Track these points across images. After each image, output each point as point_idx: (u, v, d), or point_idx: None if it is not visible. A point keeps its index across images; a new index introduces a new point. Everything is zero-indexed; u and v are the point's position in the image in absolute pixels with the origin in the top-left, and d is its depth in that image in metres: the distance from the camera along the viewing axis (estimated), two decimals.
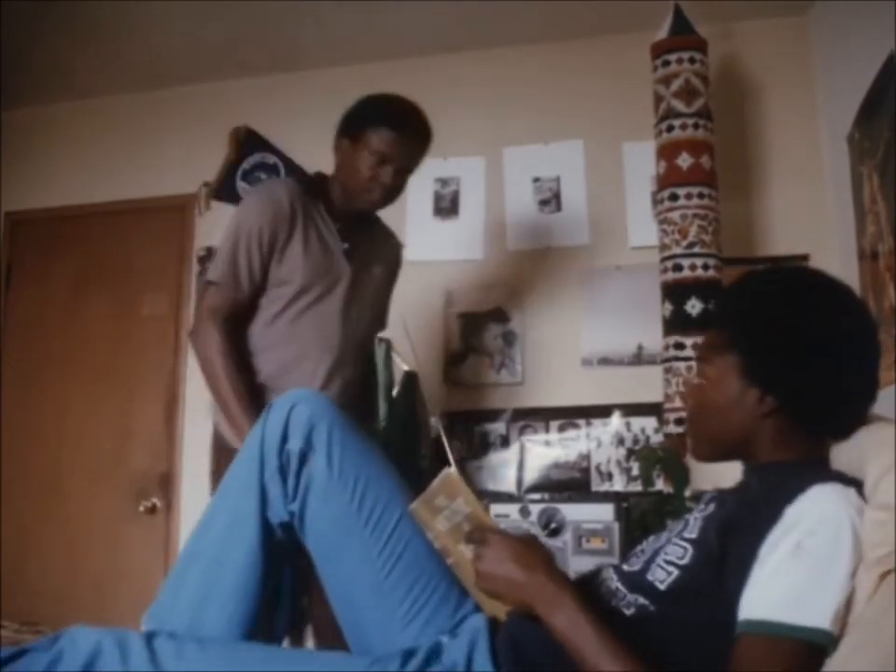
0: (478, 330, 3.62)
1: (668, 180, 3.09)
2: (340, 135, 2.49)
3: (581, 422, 3.41)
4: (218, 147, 4.06)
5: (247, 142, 4.06)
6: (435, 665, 1.31)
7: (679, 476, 2.63)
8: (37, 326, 4.12)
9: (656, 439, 3.26)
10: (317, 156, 3.92)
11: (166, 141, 4.13)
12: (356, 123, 2.45)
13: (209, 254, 3.98)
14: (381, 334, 3.52)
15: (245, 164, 4.05)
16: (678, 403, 2.89)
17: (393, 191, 2.50)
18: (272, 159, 4.02)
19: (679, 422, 2.88)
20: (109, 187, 4.16)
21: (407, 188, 3.79)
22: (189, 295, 4.00)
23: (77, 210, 4.19)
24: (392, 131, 2.39)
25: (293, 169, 3.96)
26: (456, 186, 3.76)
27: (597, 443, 3.39)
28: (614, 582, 1.35)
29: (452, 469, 1.39)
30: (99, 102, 4.24)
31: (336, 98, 3.94)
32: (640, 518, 2.71)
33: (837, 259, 3.24)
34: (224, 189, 4.04)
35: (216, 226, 3.99)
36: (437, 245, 3.71)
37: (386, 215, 3.77)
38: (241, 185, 4.03)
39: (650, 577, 1.30)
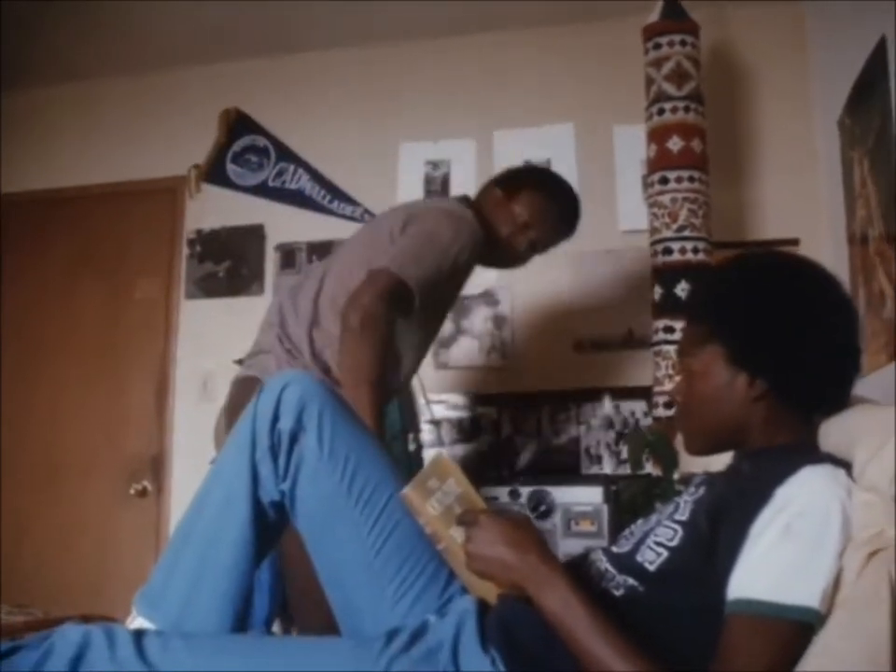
0: (468, 313, 3.63)
1: (659, 163, 3.09)
2: (495, 184, 2.47)
3: (571, 405, 3.42)
4: (209, 130, 4.05)
5: (237, 125, 4.06)
6: (420, 644, 1.31)
7: (669, 459, 2.63)
8: (29, 309, 4.11)
9: (646, 422, 3.28)
10: (307, 139, 3.96)
11: (156, 124, 4.12)
12: (518, 180, 2.45)
13: (200, 236, 3.98)
14: None
15: (236, 147, 4.04)
16: (667, 386, 2.89)
17: (518, 260, 2.50)
18: (262, 141, 4.02)
19: (668, 405, 2.90)
20: (99, 170, 4.15)
21: (398, 170, 3.84)
22: (180, 278, 4.00)
23: (67, 193, 4.17)
24: (552, 203, 2.41)
25: (284, 152, 3.96)
26: (447, 168, 3.76)
27: (587, 427, 3.40)
28: (604, 564, 1.36)
29: (442, 451, 1.40)
30: (89, 85, 4.22)
31: (327, 81, 3.97)
32: (630, 501, 2.72)
33: (827, 243, 3.25)
34: (214, 172, 4.03)
35: (206, 209, 4.00)
36: None
37: (377, 197, 3.79)
38: (231, 168, 4.02)
39: (639, 558, 1.31)
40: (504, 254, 2.45)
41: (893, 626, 1.04)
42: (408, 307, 2.15)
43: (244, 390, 2.17)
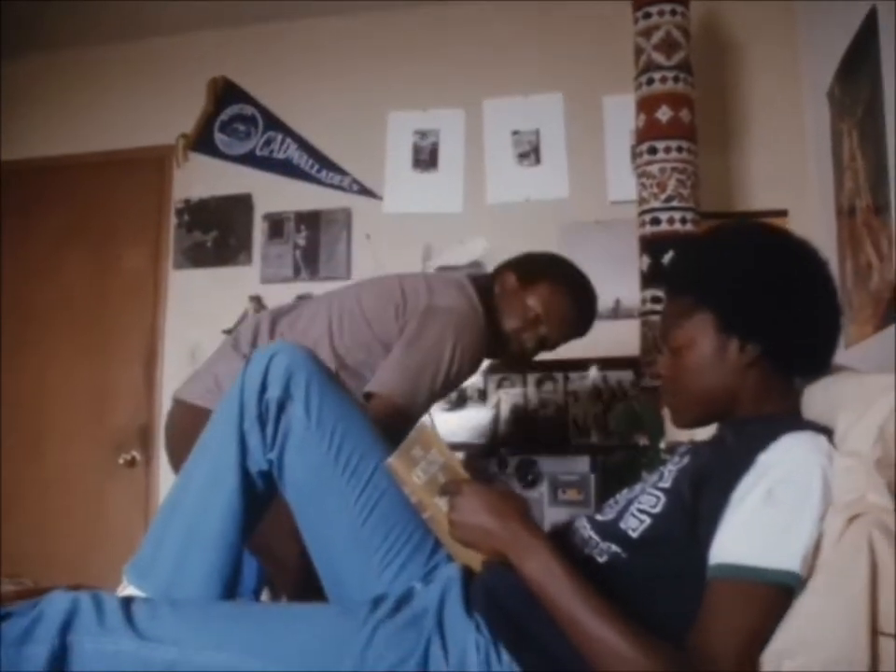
0: None
1: (647, 134, 3.08)
2: (512, 268, 2.34)
3: (559, 375, 3.43)
4: (197, 99, 4.02)
5: (225, 93, 4.02)
6: (405, 610, 1.33)
7: (655, 429, 2.65)
8: (16, 280, 4.08)
9: (633, 392, 3.29)
10: (295, 108, 3.93)
11: (143, 92, 4.08)
12: (536, 269, 2.31)
13: (188, 206, 3.96)
14: None
15: (223, 116, 4.01)
16: (655, 356, 2.90)
17: (524, 356, 2.36)
18: (249, 110, 3.99)
19: (655, 375, 2.91)
20: (86, 139, 4.11)
21: (386, 140, 3.82)
22: (167, 248, 3.98)
23: (52, 162, 4.14)
24: (569, 299, 2.27)
25: (272, 121, 3.93)
26: (436, 138, 3.74)
27: (574, 397, 3.42)
28: (587, 531, 1.37)
29: (426, 421, 1.41)
30: (75, 54, 4.18)
31: (316, 49, 3.93)
32: (616, 470, 2.74)
33: (816, 214, 3.25)
34: (202, 141, 4.01)
35: (194, 178, 3.98)
36: (415, 198, 3.70)
37: (365, 166, 3.78)
38: (219, 137, 3.99)
39: (622, 525, 1.32)
40: (510, 348, 2.31)
41: (872, 589, 1.06)
42: (403, 425, 2.04)
43: (191, 420, 1.96)
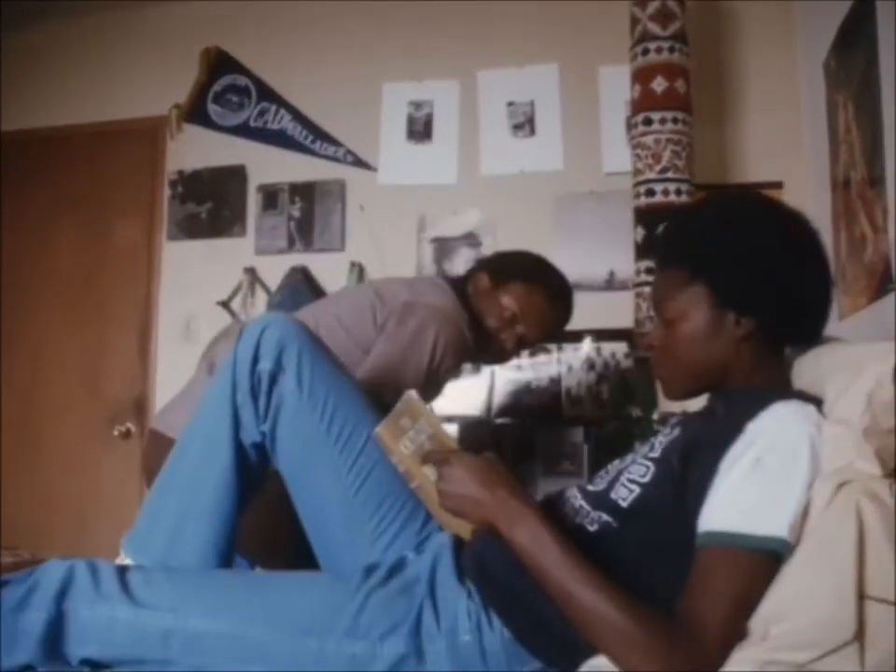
0: (450, 255, 3.62)
1: (642, 104, 3.06)
2: (484, 269, 2.31)
3: (553, 347, 3.44)
4: (190, 69, 3.99)
5: (218, 64, 3.99)
6: (398, 578, 1.34)
7: (648, 400, 2.66)
8: (9, 252, 4.07)
9: (627, 364, 3.30)
10: (288, 78, 3.91)
11: (136, 62, 4.05)
12: (507, 268, 2.28)
13: (181, 177, 3.95)
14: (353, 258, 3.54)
15: (217, 86, 3.98)
16: (648, 328, 2.91)
17: (505, 356, 2.32)
18: (243, 81, 3.96)
19: (647, 347, 2.91)
20: (78, 109, 4.09)
21: (380, 111, 3.80)
22: (161, 220, 3.96)
23: (45, 133, 4.11)
24: (543, 297, 2.24)
25: (266, 92, 3.91)
26: (430, 109, 3.73)
27: (568, 368, 3.42)
28: (578, 501, 1.38)
29: (412, 392, 1.41)
30: (67, 23, 4.13)
31: (309, 19, 3.90)
32: (609, 441, 2.76)
33: (811, 186, 3.25)
34: (195, 112, 3.98)
35: (188, 149, 3.96)
36: (410, 169, 3.69)
37: (359, 139, 3.76)
38: (212, 108, 3.97)
39: (613, 495, 1.33)
40: (492, 348, 2.27)
41: (859, 554, 1.07)
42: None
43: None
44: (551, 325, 2.31)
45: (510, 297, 2.23)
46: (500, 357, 2.33)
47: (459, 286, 2.28)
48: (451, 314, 2.14)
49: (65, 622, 1.32)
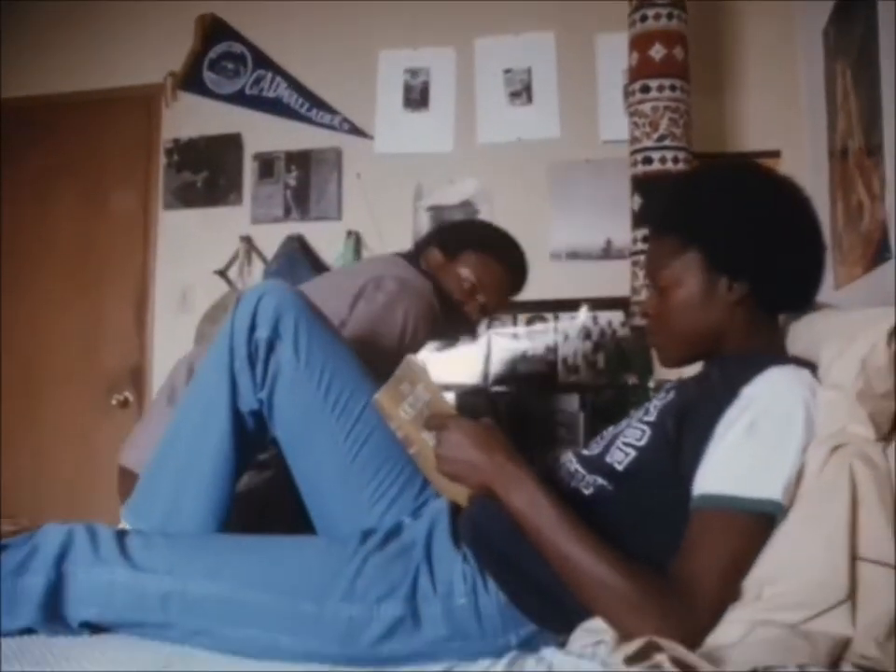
0: None
1: (640, 72, 3.05)
2: (434, 243, 2.27)
3: (549, 315, 3.44)
4: (185, 37, 3.96)
5: (213, 31, 3.96)
6: (395, 542, 1.35)
7: (644, 368, 2.67)
8: (4, 221, 4.05)
9: (623, 333, 3.30)
10: (284, 45, 3.88)
11: (131, 30, 4.02)
12: (457, 239, 2.26)
13: (177, 146, 3.93)
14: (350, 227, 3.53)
15: (212, 54, 3.95)
16: (645, 296, 2.91)
17: (472, 327, 2.30)
18: (238, 48, 3.93)
19: (642, 314, 2.92)
20: (72, 78, 4.05)
21: (377, 78, 3.78)
22: (157, 189, 3.95)
23: (39, 101, 4.08)
24: (498, 263, 2.21)
25: (261, 59, 3.89)
26: (426, 77, 3.71)
27: (564, 337, 3.43)
28: (574, 465, 1.39)
29: (411, 356, 1.41)
30: None
31: None
32: (605, 409, 2.77)
33: (808, 156, 3.24)
34: (190, 80, 3.96)
35: (183, 117, 3.93)
36: (407, 138, 3.67)
37: (355, 107, 3.74)
38: (207, 75, 3.94)
39: (608, 459, 1.34)
40: (457, 320, 2.24)
41: (852, 516, 1.08)
42: None
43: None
44: (509, 290, 2.29)
45: (465, 268, 2.21)
46: (466, 328, 2.32)
47: (414, 262, 2.25)
48: (419, 286, 2.13)
49: (65, 585, 1.33)
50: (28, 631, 1.34)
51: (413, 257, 2.28)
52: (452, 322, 2.23)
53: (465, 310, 2.22)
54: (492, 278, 2.21)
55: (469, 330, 2.34)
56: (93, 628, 1.36)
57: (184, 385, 2.06)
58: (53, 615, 1.33)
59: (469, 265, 2.21)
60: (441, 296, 2.18)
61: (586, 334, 3.40)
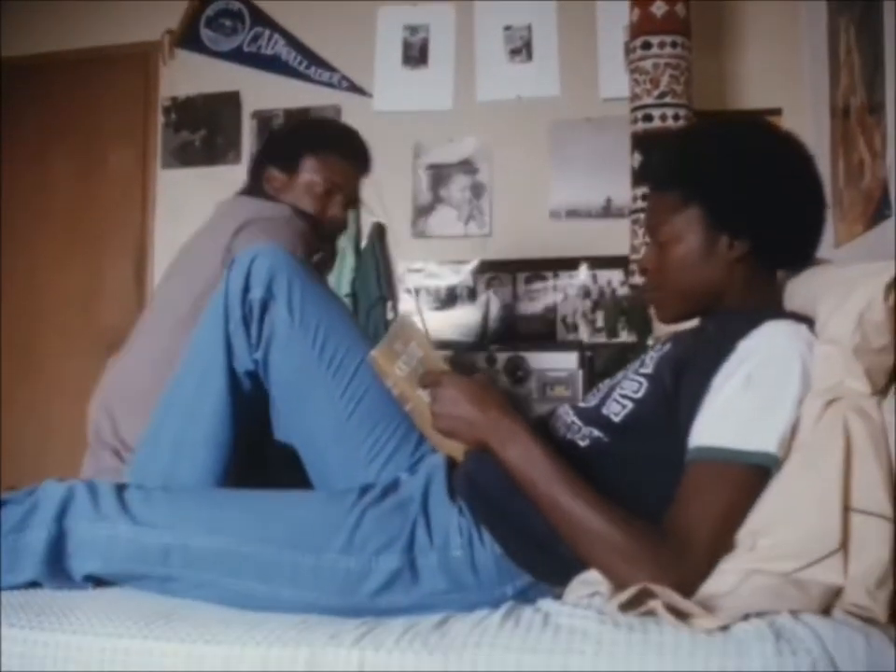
0: (446, 182, 3.61)
1: (641, 28, 3.03)
2: (264, 166, 2.12)
3: (548, 274, 3.44)
4: None
5: None
6: (392, 497, 1.36)
7: (643, 326, 2.67)
8: (4, 180, 4.04)
9: (622, 291, 3.30)
10: (281, 2, 3.84)
11: None
12: (289, 149, 2.12)
13: (175, 104, 3.91)
14: None
15: (209, 11, 3.93)
16: (644, 252, 2.91)
17: (342, 225, 2.18)
18: (235, 5, 3.91)
19: (641, 270, 2.91)
20: (68, 35, 4.03)
21: (376, 35, 3.75)
22: (155, 147, 3.94)
23: (37, 60, 4.05)
24: (337, 152, 2.09)
25: (259, 16, 3.85)
26: (426, 34, 3.68)
27: (564, 295, 3.43)
28: (570, 417, 1.39)
29: (404, 315, 1.41)
30: None
31: None
32: (604, 367, 2.77)
33: (810, 113, 3.23)
34: (188, 37, 3.93)
35: (181, 75, 3.91)
36: (405, 96, 3.66)
37: (354, 64, 3.72)
38: (205, 32, 3.91)
39: (605, 410, 1.34)
40: (325, 231, 2.11)
41: (845, 468, 1.09)
42: None
43: None
44: (360, 176, 2.19)
45: (311, 174, 2.08)
46: (337, 230, 2.20)
47: (259, 193, 2.13)
48: (279, 216, 2.01)
49: (67, 539, 1.34)
50: (33, 585, 1.35)
51: (256, 188, 2.16)
52: (322, 233, 2.12)
53: (328, 215, 2.11)
54: (341, 174, 2.10)
55: (339, 230, 2.20)
56: (97, 582, 1.37)
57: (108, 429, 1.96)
58: (56, 569, 1.34)
59: (314, 170, 2.08)
60: (300, 213, 2.06)
61: (585, 293, 3.40)
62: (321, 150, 2.09)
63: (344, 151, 2.12)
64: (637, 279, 2.93)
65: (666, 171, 1.46)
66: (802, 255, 1.41)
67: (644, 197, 2.92)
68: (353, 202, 2.20)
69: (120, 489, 1.40)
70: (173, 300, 1.98)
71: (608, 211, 3.42)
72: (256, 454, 1.63)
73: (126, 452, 1.81)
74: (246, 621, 1.20)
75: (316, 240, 2.05)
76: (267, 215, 2.00)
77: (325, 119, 2.23)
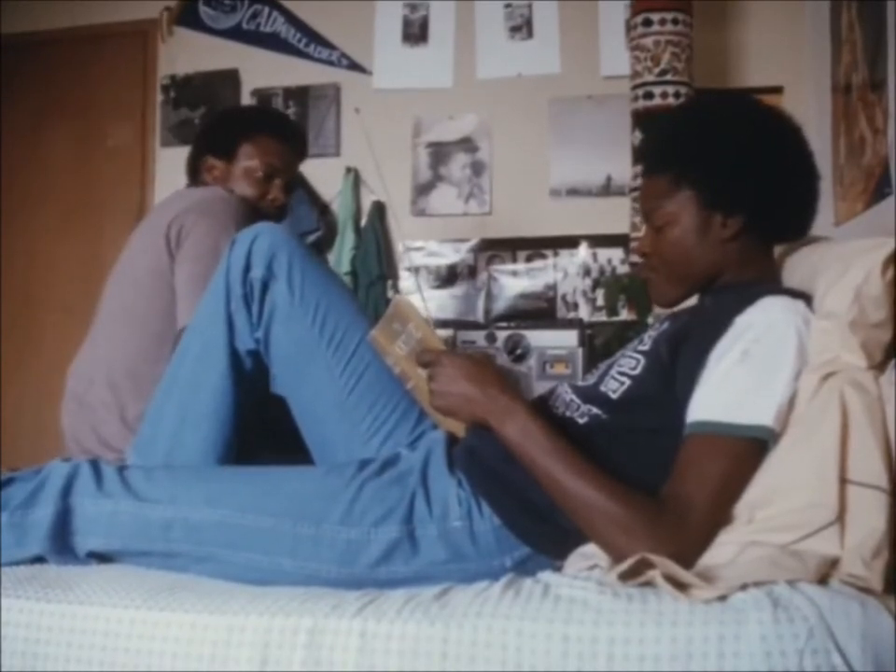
0: (446, 160, 3.60)
1: (642, 5, 3.02)
2: (203, 155, 2.13)
3: (549, 252, 3.45)
4: None
5: None
6: (391, 470, 1.37)
7: (643, 304, 2.68)
8: (4, 157, 4.04)
9: (622, 269, 3.31)
10: None
11: None
12: (225, 137, 2.12)
13: (173, 82, 3.90)
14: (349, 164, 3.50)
15: None
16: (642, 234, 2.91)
17: (284, 208, 2.18)
18: None
19: (639, 253, 2.92)
20: (66, 13, 4.02)
21: (375, 13, 3.73)
22: (154, 124, 3.93)
23: (35, 37, 4.05)
24: (272, 136, 2.10)
25: None
26: (426, 11, 3.66)
27: (564, 274, 3.44)
28: (569, 395, 1.40)
29: (400, 296, 1.42)
30: None
31: None
32: (604, 345, 2.78)
33: (811, 91, 3.22)
34: (186, 14, 3.91)
35: (179, 53, 3.90)
36: (405, 73, 3.65)
37: (354, 41, 3.71)
38: (203, 10, 3.90)
39: (603, 388, 1.35)
40: (269, 216, 2.08)
41: (842, 440, 1.10)
42: None
43: None
44: (297, 158, 2.22)
45: (249, 160, 2.10)
46: (279, 213, 2.18)
47: (200, 183, 2.16)
48: (208, 196, 2.02)
49: (72, 515, 1.37)
50: (39, 560, 1.37)
51: (197, 180, 2.18)
52: (264, 217, 2.08)
53: (269, 198, 2.12)
54: (278, 157, 2.12)
55: (281, 215, 2.19)
56: (101, 558, 1.39)
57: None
58: (62, 545, 1.37)
59: (251, 156, 2.10)
60: (243, 200, 2.08)
61: (586, 271, 3.41)
62: (257, 135, 2.11)
63: (280, 135, 2.14)
64: (637, 258, 2.94)
65: (656, 156, 1.46)
66: (797, 226, 1.42)
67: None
68: (292, 184, 2.20)
69: (122, 468, 1.42)
70: (118, 295, 2.10)
71: (608, 189, 3.43)
72: (257, 432, 1.65)
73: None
74: (249, 592, 1.21)
75: (256, 221, 1.95)
76: (198, 197, 2.02)
77: (256, 106, 2.24)
